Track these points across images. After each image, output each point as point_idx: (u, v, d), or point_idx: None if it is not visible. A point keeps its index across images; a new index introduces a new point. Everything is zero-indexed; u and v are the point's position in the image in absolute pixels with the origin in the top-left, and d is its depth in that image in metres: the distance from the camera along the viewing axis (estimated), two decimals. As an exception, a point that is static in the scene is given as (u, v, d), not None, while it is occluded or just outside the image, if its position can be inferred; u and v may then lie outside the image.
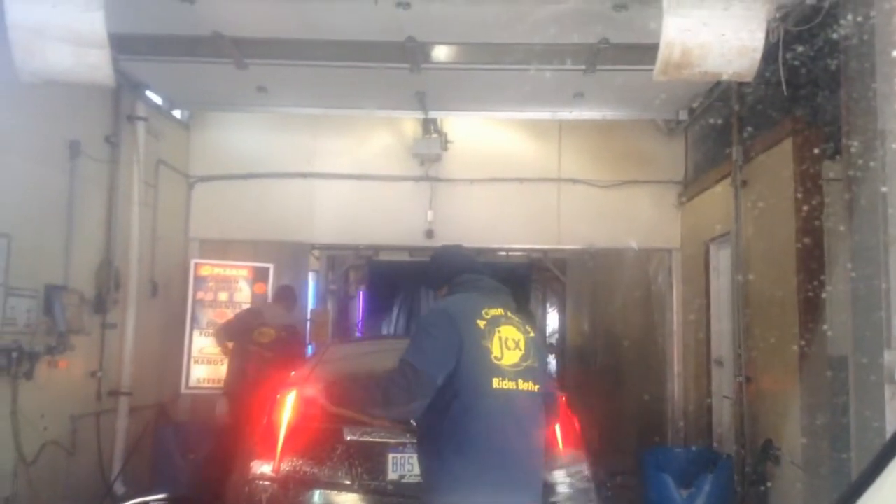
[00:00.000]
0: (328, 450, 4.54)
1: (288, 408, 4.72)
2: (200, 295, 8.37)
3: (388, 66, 6.53)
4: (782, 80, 5.28)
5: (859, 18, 4.49)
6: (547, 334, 13.25)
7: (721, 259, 7.60)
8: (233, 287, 8.45)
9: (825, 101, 5.20)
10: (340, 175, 8.80)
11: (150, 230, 7.78)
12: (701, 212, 8.14)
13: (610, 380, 10.01)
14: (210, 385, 8.25)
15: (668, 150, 8.78)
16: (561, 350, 12.46)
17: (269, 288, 8.28)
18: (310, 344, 9.05)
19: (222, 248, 8.79)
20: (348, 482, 4.48)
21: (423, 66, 6.49)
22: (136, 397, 7.33)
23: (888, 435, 4.17)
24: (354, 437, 4.54)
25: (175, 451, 7.21)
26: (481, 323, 3.16)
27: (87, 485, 6.68)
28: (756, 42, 4.75)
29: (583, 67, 6.36)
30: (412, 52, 6.24)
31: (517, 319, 3.31)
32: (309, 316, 9.59)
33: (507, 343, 3.18)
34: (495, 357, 3.11)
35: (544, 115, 8.21)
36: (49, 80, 5.15)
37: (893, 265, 4.18)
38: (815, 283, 5.32)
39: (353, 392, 3.35)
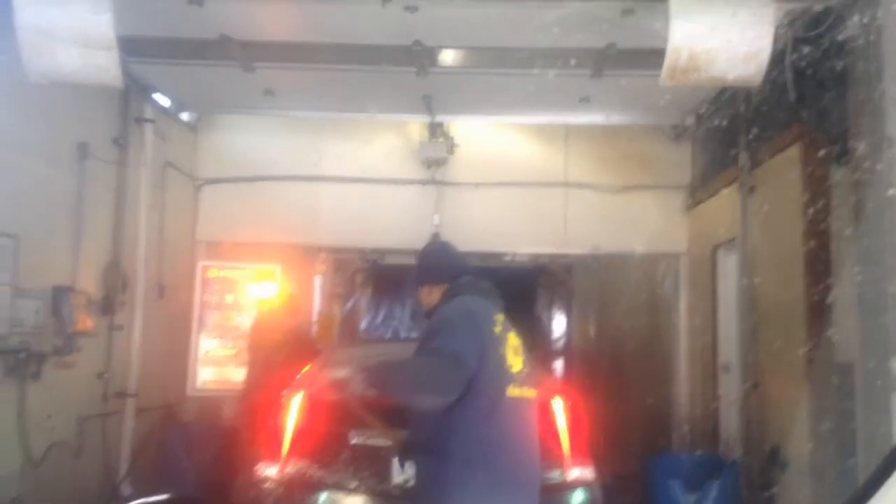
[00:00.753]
0: (333, 453, 4.54)
1: (293, 410, 4.72)
2: (207, 297, 8.39)
3: (394, 69, 6.53)
4: (789, 84, 5.26)
5: (866, 22, 4.48)
6: (553, 339, 13.22)
7: (728, 264, 7.58)
8: (239, 289, 8.47)
9: (832, 106, 5.18)
10: (347, 178, 8.80)
11: (158, 232, 7.80)
12: (708, 216, 8.12)
13: (616, 384, 9.98)
14: (216, 387, 8.27)
15: (674, 155, 8.76)
16: (567, 354, 12.43)
17: (276, 291, 8.29)
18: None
19: (229, 251, 8.82)
20: (353, 486, 4.48)
21: (430, 70, 6.49)
22: (142, 399, 7.35)
23: (895, 441, 4.16)
24: (360, 441, 4.54)
25: (181, 453, 7.22)
26: (497, 329, 3.16)
27: (93, 486, 6.70)
28: (763, 47, 4.74)
29: (589, 72, 6.36)
30: (419, 56, 6.25)
31: (510, 323, 3.32)
32: (315, 319, 9.60)
33: (515, 350, 3.20)
34: (509, 365, 3.12)
35: (551, 119, 8.21)
36: (57, 82, 5.17)
37: (901, 270, 4.16)
38: (822, 288, 5.30)
39: (393, 371, 3.03)
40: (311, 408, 4.74)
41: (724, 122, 7.30)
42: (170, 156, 8.12)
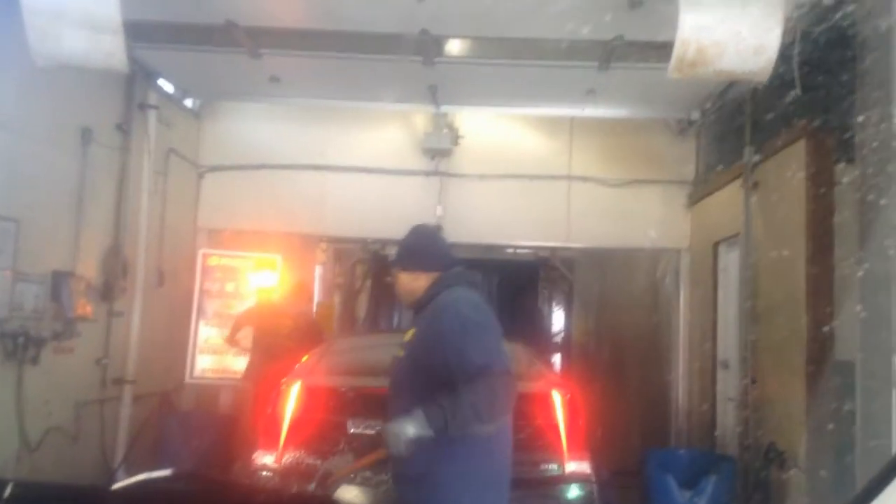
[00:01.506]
0: (331, 442, 4.54)
1: (292, 399, 4.72)
2: (207, 285, 8.38)
3: (401, 58, 6.50)
4: (797, 81, 5.23)
5: (876, 20, 4.45)
6: (553, 332, 13.21)
7: (729, 260, 7.56)
8: (240, 278, 8.47)
9: (840, 103, 5.15)
10: (350, 168, 8.77)
11: (159, 219, 7.79)
12: (710, 213, 8.10)
13: (614, 379, 9.97)
14: (215, 376, 8.27)
15: (678, 150, 8.72)
16: (567, 348, 12.43)
17: (277, 279, 8.29)
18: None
19: (230, 239, 8.80)
20: (352, 475, 4.47)
21: (437, 60, 6.47)
22: (140, 385, 7.35)
23: (894, 440, 4.15)
24: (358, 430, 4.53)
25: (179, 440, 7.22)
26: (497, 325, 3.14)
27: (90, 472, 6.69)
28: (772, 42, 4.71)
29: (596, 64, 6.33)
30: (426, 45, 6.22)
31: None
32: (315, 309, 9.59)
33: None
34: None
35: (556, 111, 8.19)
36: (63, 65, 5.14)
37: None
38: (824, 286, 5.29)
39: (471, 409, 2.74)
40: (309, 397, 4.74)
41: (730, 118, 7.27)
42: (173, 142, 8.10)
